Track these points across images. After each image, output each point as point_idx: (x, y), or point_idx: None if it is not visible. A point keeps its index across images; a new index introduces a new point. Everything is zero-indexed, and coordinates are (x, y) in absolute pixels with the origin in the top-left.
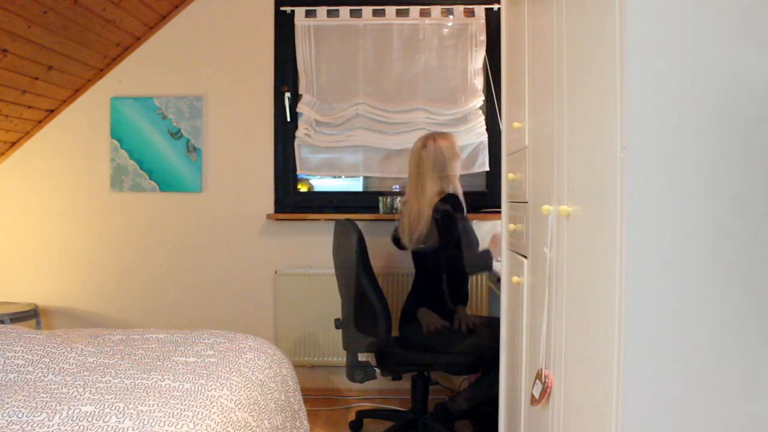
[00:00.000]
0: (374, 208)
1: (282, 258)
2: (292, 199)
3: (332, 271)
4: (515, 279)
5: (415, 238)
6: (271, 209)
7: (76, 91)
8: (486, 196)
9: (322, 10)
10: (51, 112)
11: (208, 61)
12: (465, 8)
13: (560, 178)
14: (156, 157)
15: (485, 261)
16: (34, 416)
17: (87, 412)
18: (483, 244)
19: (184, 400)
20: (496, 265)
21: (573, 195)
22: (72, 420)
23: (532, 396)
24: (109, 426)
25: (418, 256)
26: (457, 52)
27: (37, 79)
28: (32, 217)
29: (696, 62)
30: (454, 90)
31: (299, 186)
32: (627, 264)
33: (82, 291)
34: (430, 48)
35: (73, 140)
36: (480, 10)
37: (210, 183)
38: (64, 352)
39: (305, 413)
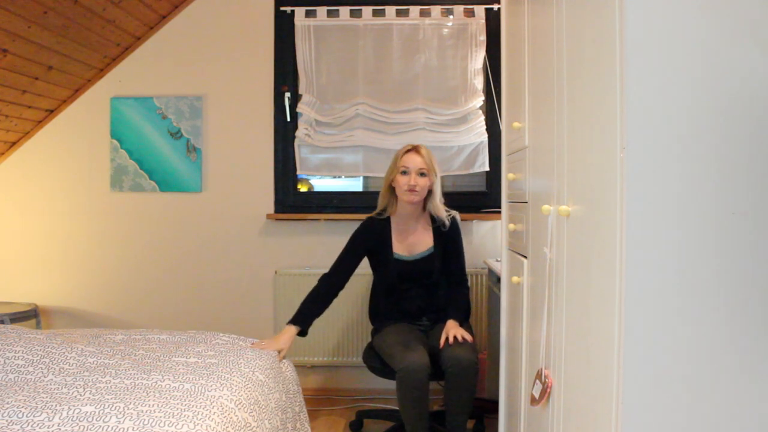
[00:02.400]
0: (374, 209)
1: (282, 258)
2: (292, 199)
3: None
4: (515, 279)
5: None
6: (271, 209)
7: (76, 91)
8: (486, 196)
9: (322, 10)
10: (51, 112)
11: (208, 61)
12: (465, 8)
13: (560, 178)
14: (156, 157)
15: None
16: (34, 416)
17: (87, 412)
18: (484, 245)
19: (185, 401)
20: (495, 265)
21: (573, 195)
22: (72, 420)
23: (532, 396)
24: (109, 426)
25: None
26: (457, 52)
27: (37, 79)
28: (32, 217)
29: (696, 62)
30: (454, 90)
31: (299, 186)
32: (627, 264)
33: (82, 291)
34: (430, 48)
35: (73, 140)
36: (480, 10)
37: (210, 183)
38: (64, 353)
39: (306, 416)
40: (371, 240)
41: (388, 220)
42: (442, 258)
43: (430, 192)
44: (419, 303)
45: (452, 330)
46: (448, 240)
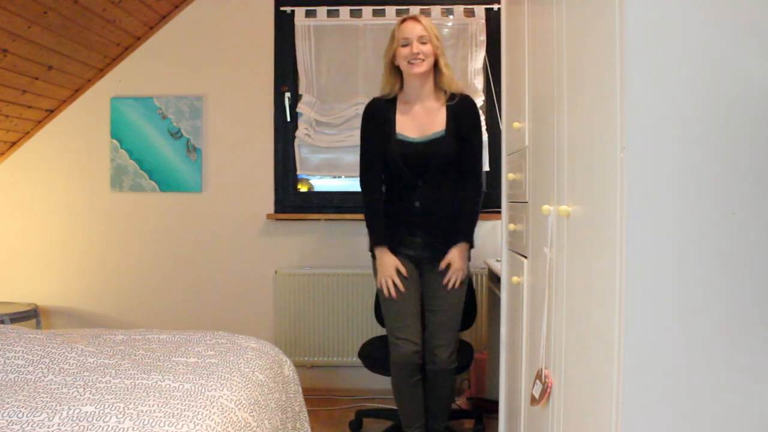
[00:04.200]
0: None
1: (282, 258)
2: (292, 199)
3: (332, 271)
4: (515, 279)
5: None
6: (271, 209)
7: (76, 91)
8: (486, 196)
9: (322, 10)
10: (51, 112)
11: (208, 61)
12: (465, 8)
13: (560, 178)
14: (156, 157)
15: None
16: (34, 416)
17: (87, 412)
18: (484, 245)
19: (185, 401)
20: (495, 265)
21: (573, 195)
22: (72, 420)
23: (532, 396)
24: (109, 426)
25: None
26: (457, 52)
27: (37, 79)
28: (32, 217)
29: (696, 62)
30: None
31: (299, 186)
32: (627, 264)
33: (82, 291)
34: None
35: (73, 140)
36: (480, 10)
37: (210, 183)
38: (64, 353)
39: (306, 415)
40: (377, 119)
41: (394, 99)
42: (455, 143)
43: (436, 66)
44: (420, 201)
45: (453, 269)
46: (462, 122)
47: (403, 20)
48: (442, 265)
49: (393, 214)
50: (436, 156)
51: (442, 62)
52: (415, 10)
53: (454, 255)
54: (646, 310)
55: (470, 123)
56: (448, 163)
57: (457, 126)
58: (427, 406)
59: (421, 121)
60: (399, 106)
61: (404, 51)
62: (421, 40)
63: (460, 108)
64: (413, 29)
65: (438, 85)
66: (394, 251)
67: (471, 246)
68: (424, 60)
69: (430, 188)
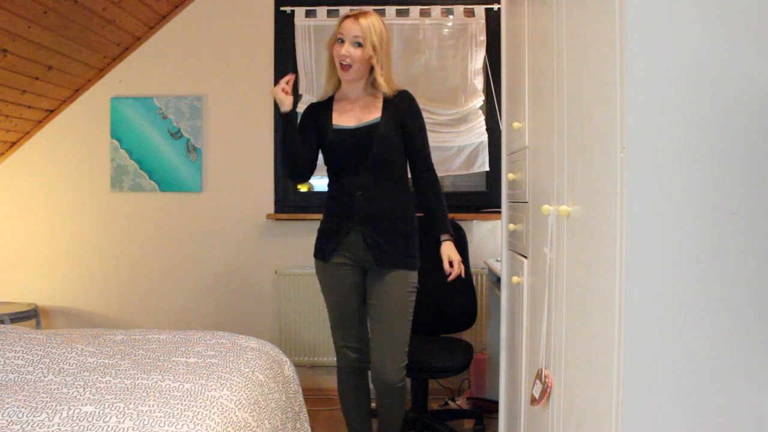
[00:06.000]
0: None
1: (282, 258)
2: (292, 199)
3: None
4: (515, 279)
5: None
6: (271, 209)
7: (76, 91)
8: (486, 196)
9: (322, 10)
10: (51, 112)
11: (208, 61)
12: (465, 8)
13: (560, 178)
14: (156, 157)
15: None
16: (34, 416)
17: (87, 412)
18: (484, 245)
19: (185, 401)
20: (495, 265)
21: (573, 195)
22: (72, 420)
23: (532, 396)
24: (109, 426)
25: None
26: (457, 52)
27: (37, 79)
28: (32, 217)
29: (696, 62)
30: (454, 90)
31: (299, 186)
32: (627, 264)
33: (82, 291)
34: (430, 48)
35: (73, 140)
36: (480, 10)
37: (210, 183)
38: (64, 353)
39: (306, 415)
40: (314, 119)
41: (330, 99)
42: (393, 131)
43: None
44: (362, 190)
45: (452, 262)
46: (401, 111)
47: (347, 16)
48: (446, 265)
49: (336, 211)
50: (374, 140)
51: (378, 70)
52: (415, 10)
53: (450, 250)
54: (646, 310)
55: (409, 112)
56: (388, 150)
57: (394, 114)
58: (379, 415)
59: (357, 112)
60: (335, 105)
61: (336, 48)
62: (355, 41)
63: (397, 99)
64: (350, 28)
65: (374, 87)
66: (329, 258)
67: (452, 238)
68: (351, 65)
69: (372, 178)
